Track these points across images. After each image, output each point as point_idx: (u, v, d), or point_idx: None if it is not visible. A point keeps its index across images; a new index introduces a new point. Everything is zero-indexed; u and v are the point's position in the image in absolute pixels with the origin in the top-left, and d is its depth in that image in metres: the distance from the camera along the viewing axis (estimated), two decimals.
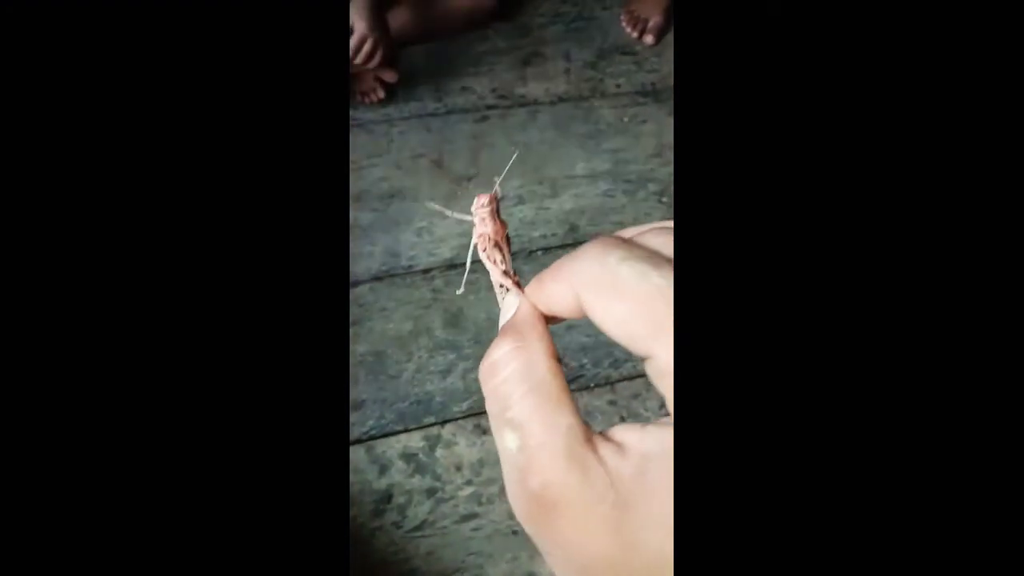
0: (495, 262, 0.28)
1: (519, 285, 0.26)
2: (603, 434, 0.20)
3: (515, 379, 0.21)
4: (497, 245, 0.28)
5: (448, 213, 0.30)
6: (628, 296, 0.20)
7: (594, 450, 0.19)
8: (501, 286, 0.27)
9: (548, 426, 0.20)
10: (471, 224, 0.29)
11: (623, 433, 0.19)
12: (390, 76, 1.24)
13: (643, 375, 1.03)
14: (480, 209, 0.28)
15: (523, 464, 0.20)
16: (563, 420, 0.20)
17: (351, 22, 1.14)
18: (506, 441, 0.21)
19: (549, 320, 0.23)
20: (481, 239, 0.28)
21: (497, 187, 0.29)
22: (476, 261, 0.29)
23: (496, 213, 0.28)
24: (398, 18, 1.28)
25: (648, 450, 0.19)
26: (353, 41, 1.14)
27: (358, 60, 1.17)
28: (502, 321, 0.24)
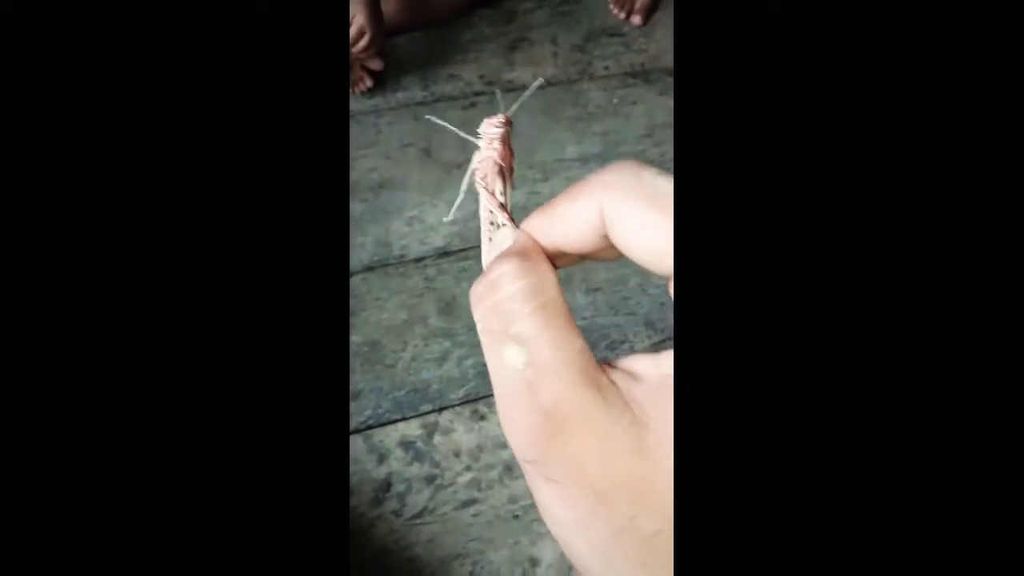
0: (493, 192, 0.25)
1: (514, 221, 0.24)
2: (610, 363, 0.19)
3: (522, 296, 0.19)
4: (501, 172, 0.25)
5: (451, 128, 0.28)
6: (668, 209, 0.18)
7: (606, 373, 0.19)
8: (492, 223, 0.25)
9: (560, 343, 0.19)
10: (473, 148, 0.26)
11: (632, 362, 0.19)
12: (377, 65, 1.23)
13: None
14: (491, 129, 0.25)
15: (532, 379, 0.18)
16: (576, 340, 0.19)
17: (351, 13, 1.14)
18: (509, 357, 0.19)
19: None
20: (484, 163, 0.25)
21: (513, 109, 0.26)
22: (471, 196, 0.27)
23: (507, 138, 0.26)
24: (386, 7, 1.27)
25: (664, 373, 0.18)
26: (352, 31, 1.15)
27: (354, 50, 1.17)
28: (492, 254, 0.22)
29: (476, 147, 0.26)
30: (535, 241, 0.22)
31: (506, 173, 0.26)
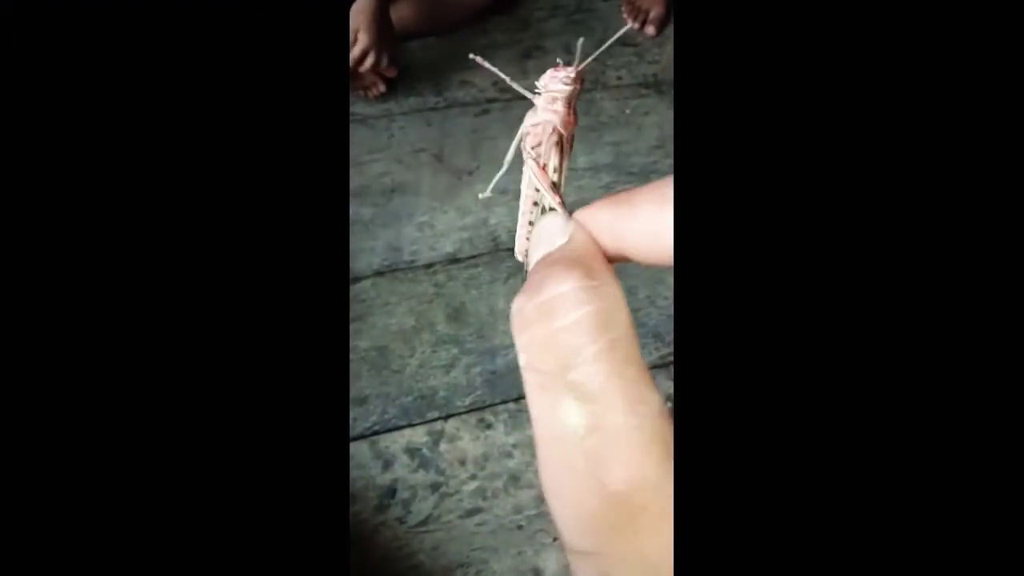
0: (545, 167, 0.20)
1: (565, 207, 0.19)
2: None
3: (587, 328, 0.15)
4: (560, 143, 0.20)
5: (498, 73, 0.22)
6: None
7: None
8: (535, 203, 0.20)
9: (636, 403, 0.14)
10: (528, 108, 0.20)
11: None
12: (391, 72, 1.24)
13: (655, 366, 1.01)
14: (556, 85, 0.20)
15: (597, 451, 0.14)
16: (654, 397, 0.15)
17: (356, 31, 1.14)
18: (567, 415, 0.15)
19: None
20: (539, 129, 0.20)
21: (587, 63, 0.20)
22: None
23: (574, 100, 0.20)
24: (400, 12, 1.27)
25: None
26: (356, 52, 1.15)
27: (360, 69, 1.17)
28: (537, 248, 0.17)
29: (532, 105, 0.21)
30: (595, 242, 0.17)
31: (565, 145, 0.20)
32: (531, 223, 0.20)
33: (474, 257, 1.09)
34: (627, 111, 1.31)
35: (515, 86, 0.22)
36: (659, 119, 1.30)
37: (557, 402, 0.15)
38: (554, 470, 0.15)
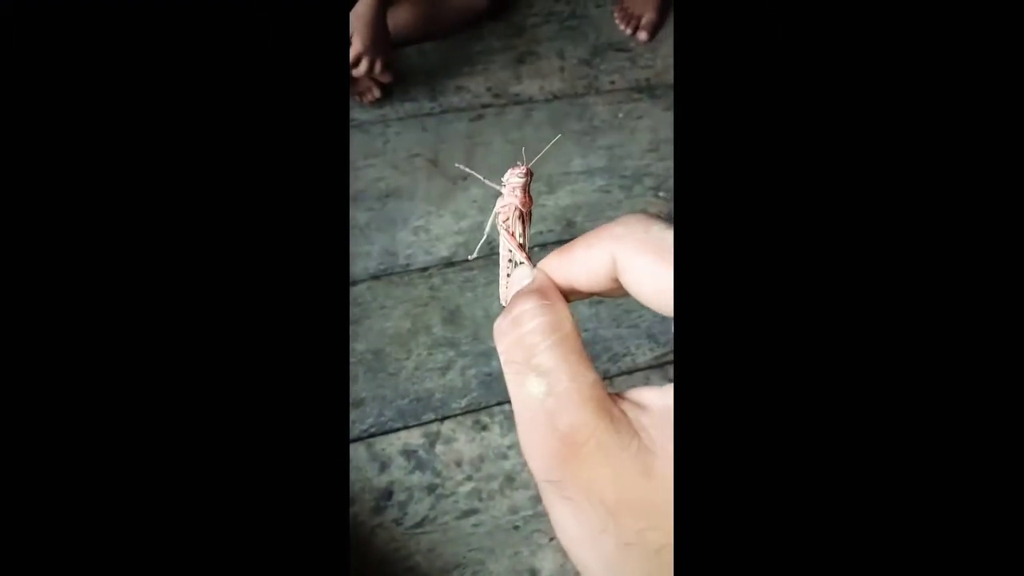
0: (513, 234, 0.28)
1: (531, 261, 0.27)
2: (619, 395, 0.21)
3: (542, 330, 0.22)
4: (521, 217, 0.29)
5: (479, 177, 0.31)
6: (671, 259, 0.21)
7: (617, 403, 0.21)
8: (510, 260, 0.28)
9: (576, 375, 0.21)
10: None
11: (639, 394, 0.21)
12: (385, 77, 1.24)
13: (641, 369, 1.02)
14: (514, 178, 0.28)
15: (551, 407, 0.20)
16: (590, 373, 0.21)
17: (350, 36, 1.15)
18: (530, 387, 0.21)
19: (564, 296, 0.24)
20: (506, 209, 0.29)
21: (534, 161, 0.29)
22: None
23: (528, 186, 0.29)
24: (396, 18, 1.28)
25: (667, 404, 0.20)
26: (351, 55, 1.15)
27: (354, 73, 1.18)
28: (511, 290, 0.25)
29: (499, 193, 0.29)
30: (551, 280, 0.24)
31: (526, 217, 0.29)
32: (508, 275, 0.28)
33: (469, 261, 1.09)
34: (620, 115, 1.32)
35: (487, 183, 0.30)
36: (652, 123, 1.31)
37: (525, 380, 0.21)
38: (524, 425, 0.21)
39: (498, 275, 0.29)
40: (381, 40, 1.19)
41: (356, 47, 1.16)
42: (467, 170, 0.34)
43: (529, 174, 0.29)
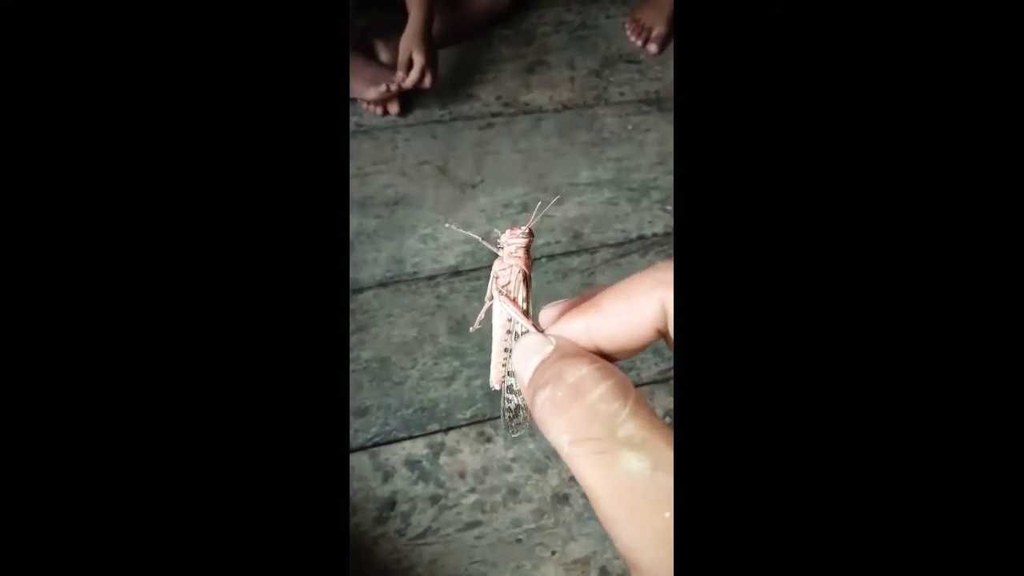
0: (515, 300, 0.26)
1: (536, 327, 0.24)
2: None
3: (615, 395, 0.19)
4: (525, 279, 0.26)
5: (476, 238, 0.28)
6: None
7: None
8: (509, 332, 0.25)
9: (670, 439, 0.18)
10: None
11: None
12: (429, 83, 1.24)
13: (646, 383, 1.01)
14: (515, 239, 0.26)
15: (665, 483, 0.17)
16: (670, 432, 0.18)
17: (410, 53, 1.17)
18: (628, 465, 0.18)
19: None
20: (506, 272, 0.26)
21: (533, 221, 0.27)
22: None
23: (529, 247, 0.26)
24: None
25: None
26: (415, 74, 1.18)
27: (409, 86, 1.19)
28: (533, 358, 0.21)
29: (496, 256, 0.26)
30: (576, 344, 0.21)
31: (529, 280, 0.26)
32: (507, 350, 0.25)
33: (476, 270, 1.09)
34: (629, 127, 1.32)
35: (486, 245, 0.27)
36: (660, 136, 1.31)
37: (617, 457, 0.18)
38: (634, 510, 0.18)
39: None
40: (435, 52, 1.21)
41: (419, 63, 1.17)
42: (461, 231, 0.31)
43: (531, 235, 0.26)
